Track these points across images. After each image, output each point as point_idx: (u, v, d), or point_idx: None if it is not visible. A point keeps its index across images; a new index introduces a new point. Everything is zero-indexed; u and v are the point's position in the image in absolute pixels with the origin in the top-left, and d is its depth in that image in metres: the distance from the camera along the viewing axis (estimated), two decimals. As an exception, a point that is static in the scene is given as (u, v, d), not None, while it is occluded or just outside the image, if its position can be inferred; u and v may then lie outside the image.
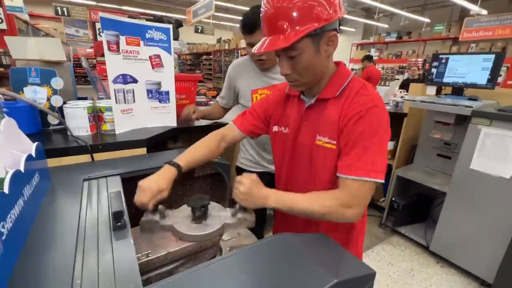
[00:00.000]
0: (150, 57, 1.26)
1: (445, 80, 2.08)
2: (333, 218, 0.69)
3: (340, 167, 0.69)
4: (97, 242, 0.57)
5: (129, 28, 1.17)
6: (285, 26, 0.61)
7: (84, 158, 1.03)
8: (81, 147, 1.03)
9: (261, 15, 0.67)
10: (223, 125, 1.36)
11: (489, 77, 1.87)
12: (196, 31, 11.34)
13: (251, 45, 1.10)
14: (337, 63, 0.78)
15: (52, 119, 1.21)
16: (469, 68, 1.96)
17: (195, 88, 1.57)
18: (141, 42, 1.21)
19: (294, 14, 0.60)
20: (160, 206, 0.75)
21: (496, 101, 1.95)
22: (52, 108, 1.19)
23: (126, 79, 1.21)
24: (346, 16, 11.42)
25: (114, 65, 1.14)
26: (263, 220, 1.54)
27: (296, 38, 0.60)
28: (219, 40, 11.64)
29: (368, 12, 12.09)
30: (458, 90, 2.07)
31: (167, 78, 1.33)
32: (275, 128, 0.87)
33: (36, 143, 0.74)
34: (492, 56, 1.86)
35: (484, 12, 8.16)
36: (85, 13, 8.99)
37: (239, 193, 0.72)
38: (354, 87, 0.72)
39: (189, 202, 0.77)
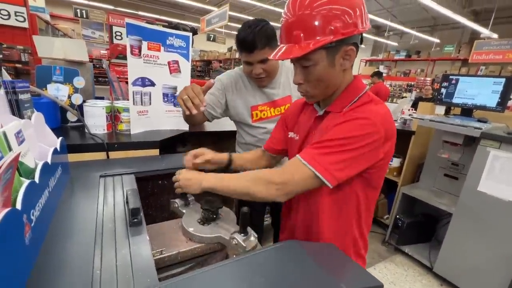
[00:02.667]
0: (168, 62, 1.31)
1: (455, 100, 2.10)
2: (255, 192, 0.66)
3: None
4: (115, 236, 0.59)
5: (152, 34, 1.22)
6: (301, 36, 0.62)
7: (100, 155, 1.06)
8: (97, 144, 1.07)
9: (281, 23, 0.68)
10: (234, 132, 1.40)
11: (499, 100, 1.88)
12: (208, 39, 11.61)
13: (248, 63, 1.08)
14: (354, 76, 0.76)
15: (71, 116, 1.26)
16: (479, 90, 1.97)
17: (209, 94, 1.61)
18: (162, 48, 1.27)
19: (312, 24, 0.60)
20: (187, 196, 0.85)
21: (506, 124, 1.95)
22: (72, 105, 1.24)
23: (145, 82, 1.25)
24: (356, 32, 11.57)
25: (135, 68, 1.19)
26: (261, 231, 1.54)
27: (309, 49, 0.60)
28: (230, 49, 11.87)
29: (378, 29, 12.26)
30: (467, 111, 2.08)
31: (183, 83, 1.37)
32: (290, 134, 0.89)
33: (60, 138, 0.78)
34: (503, 80, 1.87)
35: (495, 35, 8.21)
36: (102, 16, 9.32)
37: (178, 185, 0.78)
38: (360, 102, 0.70)
39: (202, 203, 0.80)
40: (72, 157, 0.98)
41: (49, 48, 1.32)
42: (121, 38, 4.22)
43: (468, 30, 9.19)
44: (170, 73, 1.33)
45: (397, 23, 9.66)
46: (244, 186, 0.68)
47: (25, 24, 4.03)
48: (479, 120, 1.93)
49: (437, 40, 10.17)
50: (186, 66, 1.35)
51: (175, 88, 1.36)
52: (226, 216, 0.84)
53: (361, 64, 12.44)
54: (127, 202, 0.71)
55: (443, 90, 2.16)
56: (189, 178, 0.76)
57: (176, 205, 0.85)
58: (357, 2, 0.62)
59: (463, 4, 8.46)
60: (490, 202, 1.70)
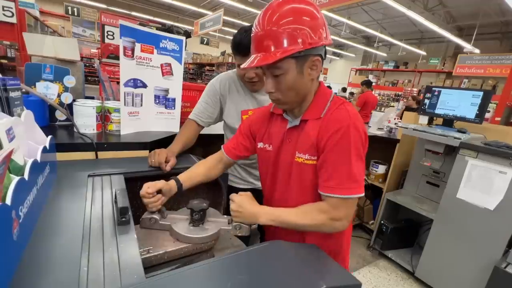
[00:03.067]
0: (161, 65, 1.32)
1: (437, 111, 2.20)
2: (323, 230, 0.75)
3: (322, 186, 0.72)
4: (102, 234, 0.60)
5: (145, 37, 1.24)
6: (271, 46, 0.66)
7: (88, 155, 1.06)
8: (86, 144, 1.07)
9: (251, 34, 0.71)
10: (222, 135, 1.42)
11: (477, 112, 1.98)
12: (202, 42, 11.63)
13: None
14: (319, 82, 0.81)
15: (60, 115, 1.25)
16: (459, 102, 2.08)
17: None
18: (155, 50, 1.28)
19: (281, 36, 0.64)
20: (161, 207, 0.79)
21: (484, 135, 2.06)
22: (61, 104, 1.23)
23: (137, 83, 1.26)
24: (346, 41, 11.90)
25: (127, 69, 1.20)
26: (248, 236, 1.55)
27: (280, 57, 0.64)
28: (223, 53, 11.91)
29: (368, 40, 12.64)
30: (448, 121, 2.19)
31: (175, 86, 1.39)
32: (260, 145, 0.91)
33: (49, 136, 0.78)
34: (481, 94, 1.98)
35: (477, 51, 8.62)
36: (94, 14, 9.20)
37: (231, 210, 0.78)
38: (333, 106, 0.76)
39: (189, 204, 0.81)
40: (60, 156, 0.97)
41: (40, 46, 1.31)
42: (113, 38, 4.18)
43: (452, 44, 9.62)
44: (163, 75, 1.34)
45: (386, 35, 10.01)
46: (309, 225, 0.73)
47: (13, 20, 3.93)
48: (459, 131, 2.02)
49: (423, 53, 10.59)
50: (178, 69, 1.37)
51: (167, 90, 1.38)
52: (212, 216, 0.86)
53: (351, 72, 12.76)
54: (115, 202, 0.72)
55: (427, 101, 2.25)
56: (241, 210, 0.77)
57: (154, 220, 0.78)
58: (319, 19, 0.68)
59: (447, 20, 8.85)
60: (468, 209, 1.79)
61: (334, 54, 14.75)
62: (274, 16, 0.65)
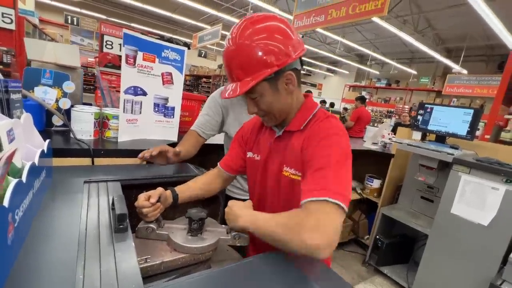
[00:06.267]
0: (162, 73, 1.33)
1: (430, 127, 2.25)
2: (291, 246, 0.57)
3: (303, 193, 0.62)
4: (99, 241, 0.58)
5: (148, 46, 1.25)
6: (241, 75, 0.67)
7: (84, 161, 1.04)
8: (83, 150, 1.05)
9: (223, 60, 0.72)
10: (220, 145, 1.42)
11: (469, 129, 2.04)
12: (200, 55, 11.83)
13: None
14: (305, 95, 0.81)
15: (57, 120, 1.23)
16: (451, 119, 2.14)
17: (199, 107, 1.64)
18: (157, 59, 1.29)
19: (246, 66, 0.65)
20: (158, 216, 0.78)
21: (475, 152, 2.11)
22: (58, 109, 1.22)
23: (137, 91, 1.26)
24: (340, 59, 12.27)
25: (128, 77, 1.21)
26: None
27: (248, 87, 0.65)
28: (220, 66, 12.12)
29: (362, 58, 13.05)
30: (441, 137, 2.24)
31: (175, 95, 1.40)
32: (249, 154, 0.90)
33: (47, 140, 0.76)
34: (471, 111, 2.05)
35: (465, 71, 8.98)
36: (94, 24, 9.31)
37: (225, 214, 0.76)
38: (318, 119, 0.75)
39: (187, 213, 0.79)
40: (56, 162, 0.95)
41: (40, 51, 1.31)
42: (112, 47, 4.22)
43: (441, 64, 10.01)
44: (163, 84, 1.35)
45: (379, 54, 10.36)
46: (281, 233, 0.60)
47: (12, 26, 3.95)
48: (452, 147, 2.07)
49: (414, 72, 10.97)
50: (179, 79, 1.38)
51: (166, 99, 1.38)
52: (211, 225, 0.84)
53: (345, 89, 13.07)
54: (113, 208, 0.70)
55: (420, 117, 2.31)
56: (228, 212, 0.74)
57: (150, 229, 0.76)
58: (288, 34, 0.66)
59: (436, 42, 9.26)
60: (462, 224, 1.80)
61: (329, 70, 15.15)
62: (246, 32, 0.65)
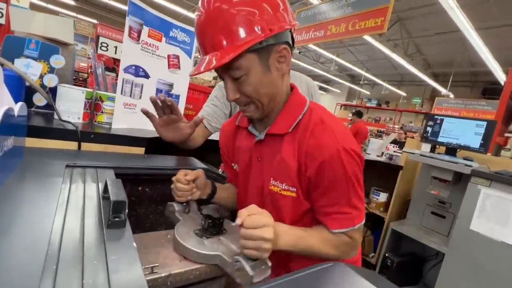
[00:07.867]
0: (168, 55, 1.17)
1: (440, 139, 2.17)
2: (339, 257, 0.64)
3: (331, 224, 0.61)
4: (82, 240, 0.39)
5: (155, 22, 1.10)
6: (224, 42, 0.51)
7: (69, 144, 0.84)
8: (67, 131, 0.85)
9: (195, 31, 0.56)
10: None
11: (482, 142, 1.96)
12: (195, 65, 11.76)
13: None
14: (292, 86, 0.66)
15: (39, 100, 1.03)
16: (462, 131, 2.06)
17: (205, 100, 1.47)
18: (163, 38, 1.14)
19: (232, 26, 0.50)
20: (190, 200, 0.70)
21: (487, 166, 2.02)
22: (42, 87, 1.02)
23: (138, 71, 1.09)
24: (333, 77, 12.59)
25: (130, 53, 1.04)
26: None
27: (236, 53, 0.49)
28: (215, 78, 12.11)
29: (353, 78, 13.44)
30: (451, 150, 2.15)
31: (182, 82, 1.23)
32: (235, 166, 0.76)
33: (21, 103, 0.57)
34: (484, 123, 1.98)
35: (452, 95, 9.35)
36: (89, 29, 9.15)
37: (243, 234, 0.51)
38: (311, 120, 0.60)
39: (204, 210, 0.61)
40: (32, 142, 0.75)
41: (27, 22, 1.13)
42: (106, 50, 4.10)
43: (429, 87, 10.41)
44: (169, 67, 1.19)
45: (370, 74, 10.69)
46: (333, 255, 0.62)
47: (2, 20, 3.74)
48: (465, 159, 1.98)
49: (403, 94, 11.35)
50: (187, 63, 1.23)
51: (171, 85, 1.21)
52: (232, 232, 0.64)
53: (337, 107, 13.31)
54: (105, 197, 0.51)
55: (429, 129, 2.23)
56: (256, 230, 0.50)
57: (173, 209, 0.68)
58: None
59: (425, 66, 9.66)
60: (483, 242, 1.66)
61: (321, 89, 15.48)
62: None
